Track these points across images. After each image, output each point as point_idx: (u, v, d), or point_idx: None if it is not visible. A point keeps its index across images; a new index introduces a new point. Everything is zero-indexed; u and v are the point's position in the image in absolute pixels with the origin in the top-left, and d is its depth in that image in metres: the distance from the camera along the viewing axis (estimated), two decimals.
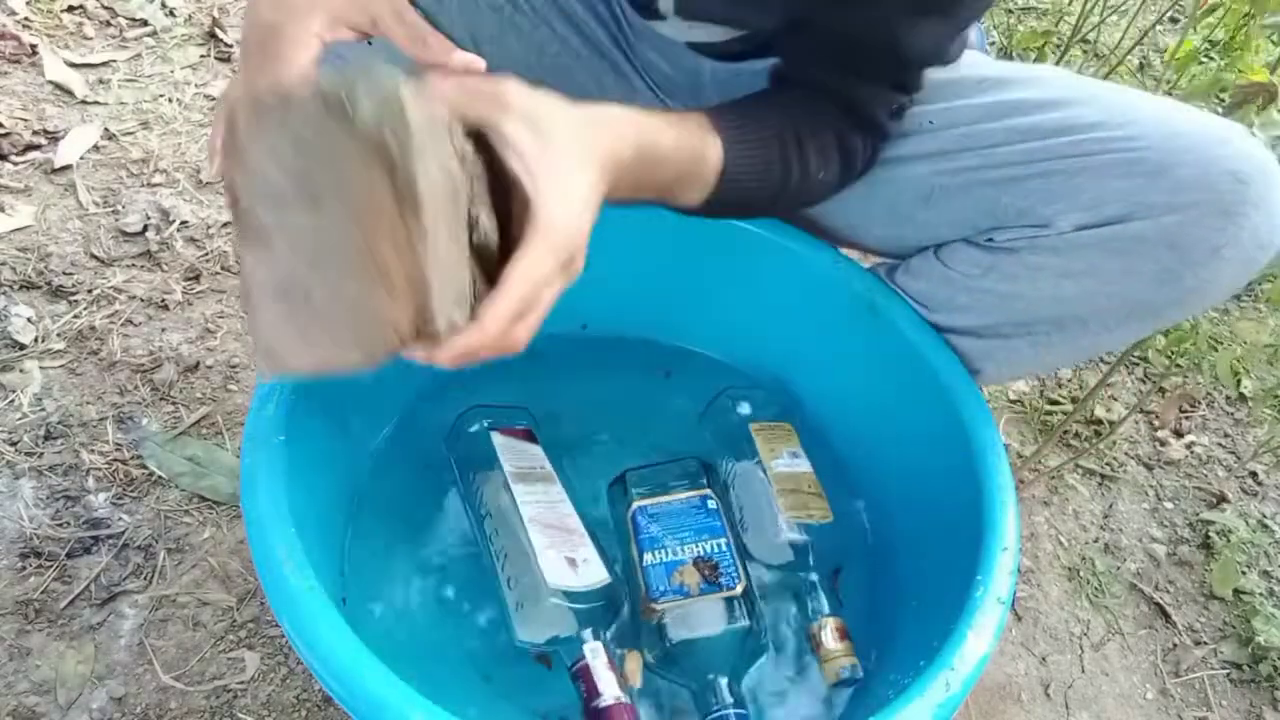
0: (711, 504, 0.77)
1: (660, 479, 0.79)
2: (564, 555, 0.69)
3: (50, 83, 1.21)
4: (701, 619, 0.69)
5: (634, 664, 0.71)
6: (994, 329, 0.72)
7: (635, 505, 0.76)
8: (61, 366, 0.95)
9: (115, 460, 0.88)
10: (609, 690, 0.63)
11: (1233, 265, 0.60)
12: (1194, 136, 0.61)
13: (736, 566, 0.72)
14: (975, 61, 0.73)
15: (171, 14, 1.37)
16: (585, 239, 0.51)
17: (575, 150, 0.50)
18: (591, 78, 0.79)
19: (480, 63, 0.50)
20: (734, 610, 0.70)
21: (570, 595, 0.66)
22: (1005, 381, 0.82)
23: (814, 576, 0.75)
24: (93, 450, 0.89)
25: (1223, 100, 1.01)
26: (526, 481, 0.75)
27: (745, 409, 0.86)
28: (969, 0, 0.63)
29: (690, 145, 0.62)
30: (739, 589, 0.71)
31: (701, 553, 0.73)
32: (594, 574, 0.69)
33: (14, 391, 0.91)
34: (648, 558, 0.72)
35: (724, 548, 0.73)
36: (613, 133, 0.55)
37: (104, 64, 1.27)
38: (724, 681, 0.67)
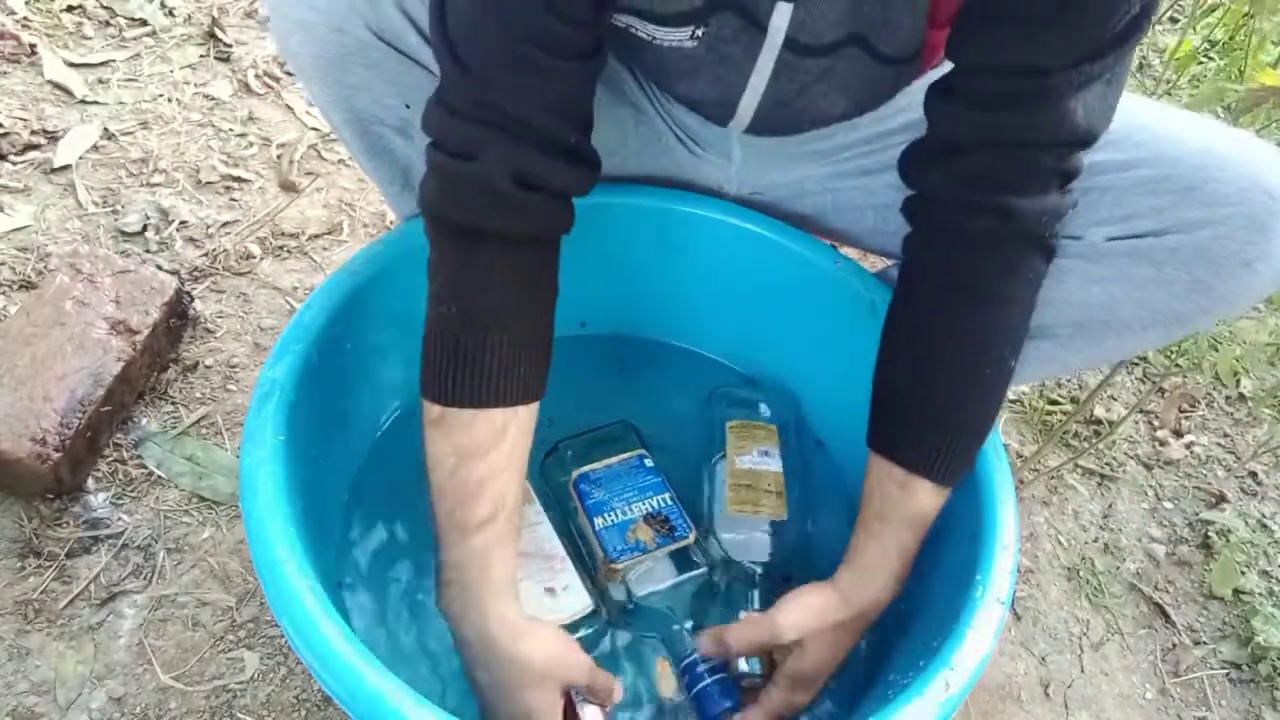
0: (649, 462, 0.80)
1: (594, 444, 0.81)
2: (542, 585, 0.70)
3: (49, 82, 1.21)
4: (662, 571, 0.73)
5: (664, 671, 0.74)
6: None
7: (576, 473, 0.78)
8: None
9: (115, 460, 0.88)
10: None
11: (1263, 278, 0.62)
12: (1223, 154, 0.61)
13: (684, 517, 0.76)
14: None
15: (171, 14, 1.37)
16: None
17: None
18: (615, 125, 0.79)
19: (619, 694, 0.65)
20: (690, 558, 0.74)
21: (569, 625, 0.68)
22: (1026, 381, 0.82)
23: (745, 574, 0.76)
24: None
25: (1228, 108, 1.01)
26: None
27: (724, 406, 0.87)
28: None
29: (909, 521, 0.64)
30: (691, 537, 0.74)
31: (650, 509, 0.75)
32: (574, 602, 0.70)
33: None
34: (599, 521, 0.75)
35: (670, 501, 0.77)
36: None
37: (103, 64, 1.27)
38: (689, 626, 0.71)
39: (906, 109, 0.73)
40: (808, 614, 0.64)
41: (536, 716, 0.58)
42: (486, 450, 0.59)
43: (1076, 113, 0.55)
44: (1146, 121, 0.65)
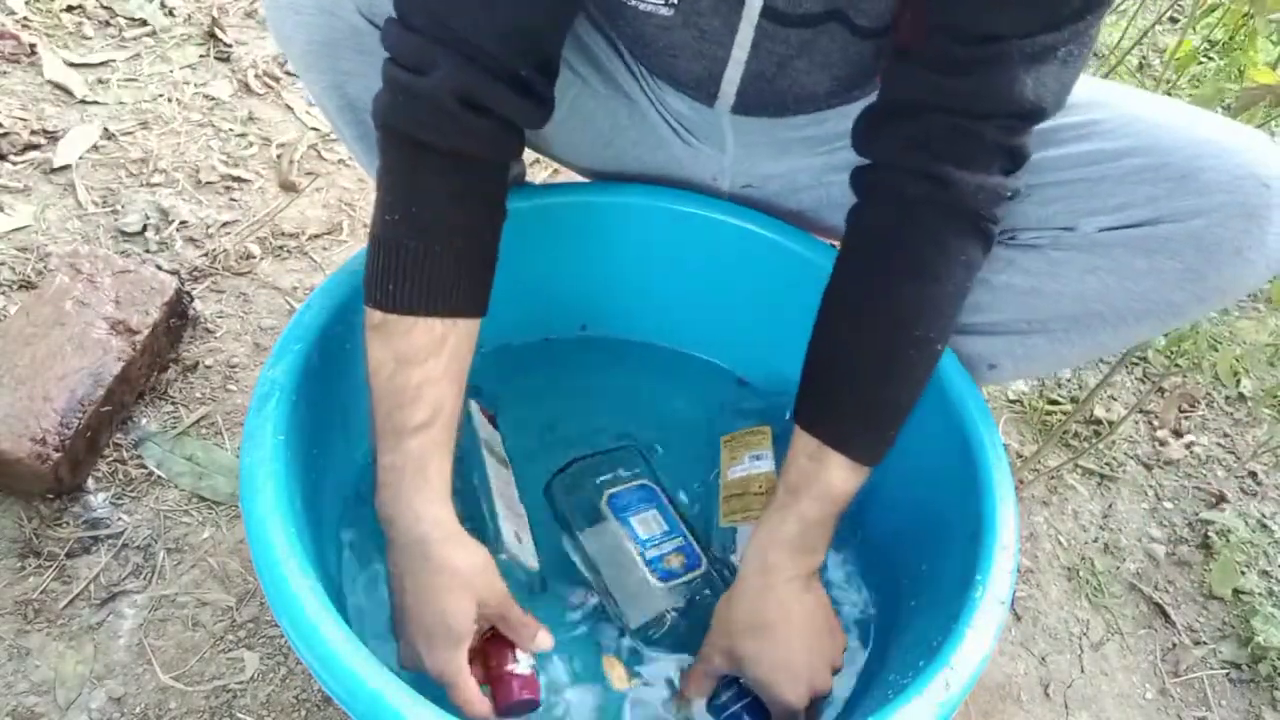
0: (662, 495, 0.79)
1: (605, 465, 0.80)
2: (514, 530, 0.75)
3: (49, 82, 1.21)
4: (693, 593, 0.73)
5: (618, 670, 0.74)
6: (1011, 325, 0.73)
7: (609, 493, 0.78)
8: None
9: (115, 460, 0.88)
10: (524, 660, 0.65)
11: (1256, 266, 0.62)
12: (1217, 142, 0.61)
13: (694, 546, 0.76)
14: None
15: (171, 14, 1.37)
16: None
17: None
18: (608, 116, 0.80)
19: (548, 644, 0.64)
20: (711, 580, 0.74)
21: (507, 564, 0.71)
22: (1022, 378, 0.82)
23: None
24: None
25: (1228, 107, 1.02)
26: (496, 460, 0.80)
27: (727, 420, 0.88)
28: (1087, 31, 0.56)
29: (817, 494, 0.64)
30: (704, 565, 0.75)
31: (674, 546, 0.76)
32: (530, 557, 0.75)
33: None
34: (649, 553, 0.74)
35: (684, 533, 0.77)
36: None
37: (103, 64, 1.27)
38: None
39: None
40: (719, 631, 0.67)
41: (451, 622, 0.58)
42: (425, 358, 0.60)
43: (1026, 85, 0.55)
44: (1140, 112, 0.65)
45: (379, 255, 0.60)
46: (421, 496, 0.60)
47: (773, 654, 0.64)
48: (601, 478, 0.79)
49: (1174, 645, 0.98)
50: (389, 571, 0.62)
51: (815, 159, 0.79)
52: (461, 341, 0.62)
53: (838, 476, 0.63)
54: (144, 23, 1.34)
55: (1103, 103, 0.66)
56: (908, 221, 0.61)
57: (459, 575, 0.59)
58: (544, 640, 0.64)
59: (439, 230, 0.60)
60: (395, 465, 0.60)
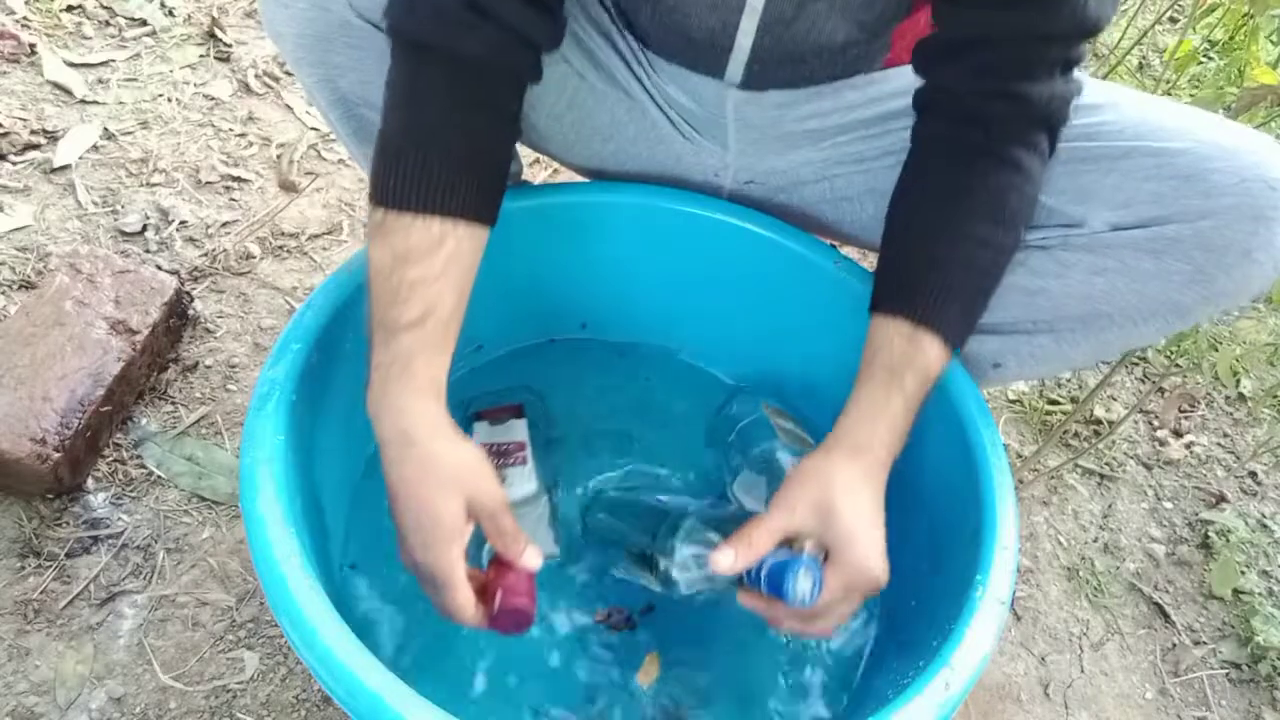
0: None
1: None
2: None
3: (49, 82, 1.21)
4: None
5: (652, 666, 0.73)
6: (1018, 325, 0.73)
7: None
8: None
9: (115, 460, 0.88)
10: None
11: (1264, 268, 0.62)
12: (1223, 144, 0.62)
13: None
14: None
15: (170, 14, 1.37)
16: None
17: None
18: (606, 112, 0.79)
19: (537, 562, 0.62)
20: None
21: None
22: (1027, 378, 0.82)
23: None
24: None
25: (1228, 108, 1.02)
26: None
27: (722, 423, 0.87)
28: None
29: (916, 371, 0.62)
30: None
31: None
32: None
33: None
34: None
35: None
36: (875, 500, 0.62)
37: (103, 64, 1.27)
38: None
39: (903, 94, 0.73)
40: (802, 482, 0.62)
41: (440, 519, 0.57)
42: (421, 256, 0.60)
43: (1087, 5, 0.58)
44: (1146, 114, 0.65)
45: (381, 154, 0.60)
46: (407, 391, 0.59)
47: (866, 512, 0.60)
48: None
49: (1174, 645, 0.98)
50: (384, 469, 0.59)
51: (818, 152, 0.79)
52: (461, 245, 0.61)
53: (934, 354, 0.62)
54: (144, 23, 1.34)
55: (1110, 105, 0.67)
56: (989, 130, 0.63)
57: (445, 471, 0.58)
58: (532, 555, 0.61)
59: (438, 133, 0.60)
60: (383, 363, 0.59)
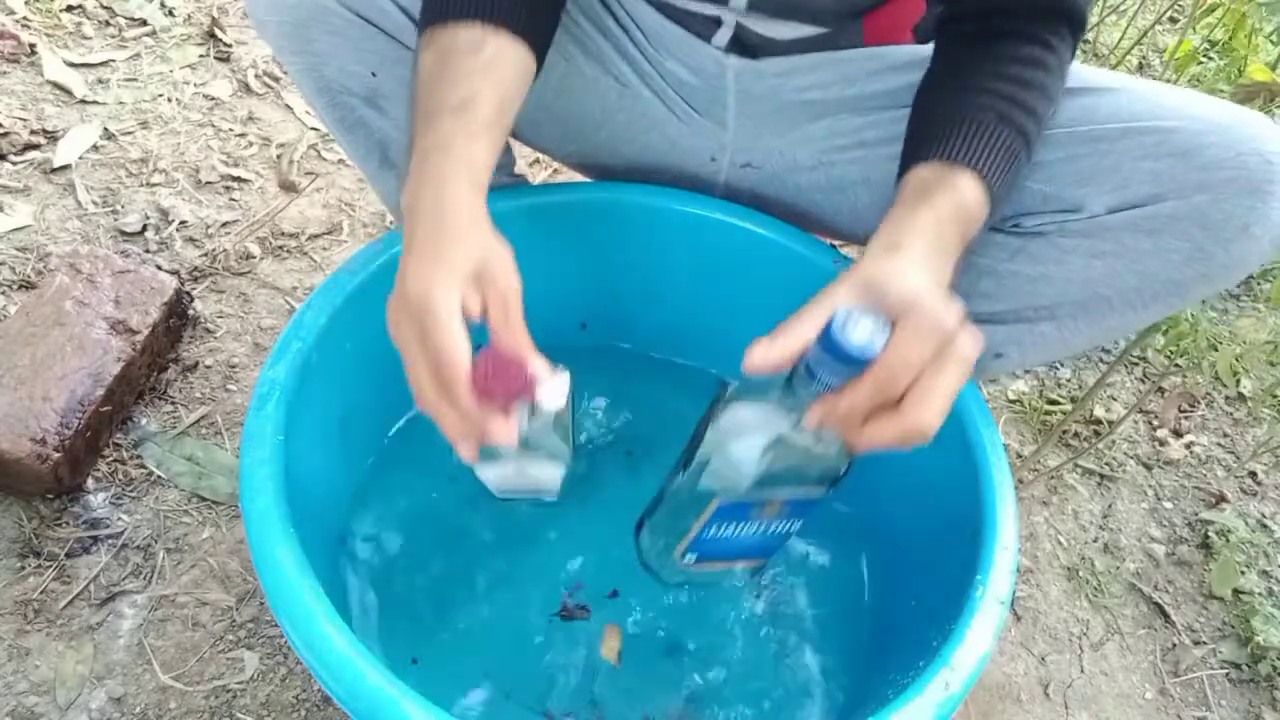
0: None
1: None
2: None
3: (49, 82, 1.21)
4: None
5: (614, 640, 0.73)
6: (1019, 313, 0.73)
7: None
8: None
9: (115, 460, 0.88)
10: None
11: (1261, 242, 0.62)
12: (1219, 120, 0.62)
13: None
14: None
15: (170, 14, 1.37)
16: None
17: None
18: (597, 99, 0.79)
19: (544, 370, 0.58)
20: None
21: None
22: (1028, 366, 0.82)
23: None
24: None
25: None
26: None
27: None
28: None
29: (948, 195, 0.58)
30: None
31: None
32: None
33: None
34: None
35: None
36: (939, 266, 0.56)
37: (103, 64, 1.27)
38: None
39: (904, 70, 0.73)
40: (851, 272, 0.54)
41: (441, 257, 0.53)
42: (465, 53, 0.59)
43: None
44: (1142, 92, 0.65)
45: None
46: (449, 173, 0.56)
47: (924, 279, 0.52)
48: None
49: (1174, 645, 0.98)
50: (403, 245, 0.55)
51: (817, 128, 0.78)
52: (503, 54, 0.60)
53: (966, 184, 0.57)
54: (144, 23, 1.34)
55: (1105, 88, 0.67)
56: (1012, 15, 0.64)
57: (468, 236, 0.55)
58: (514, 302, 0.58)
59: None
60: (425, 149, 0.57)
